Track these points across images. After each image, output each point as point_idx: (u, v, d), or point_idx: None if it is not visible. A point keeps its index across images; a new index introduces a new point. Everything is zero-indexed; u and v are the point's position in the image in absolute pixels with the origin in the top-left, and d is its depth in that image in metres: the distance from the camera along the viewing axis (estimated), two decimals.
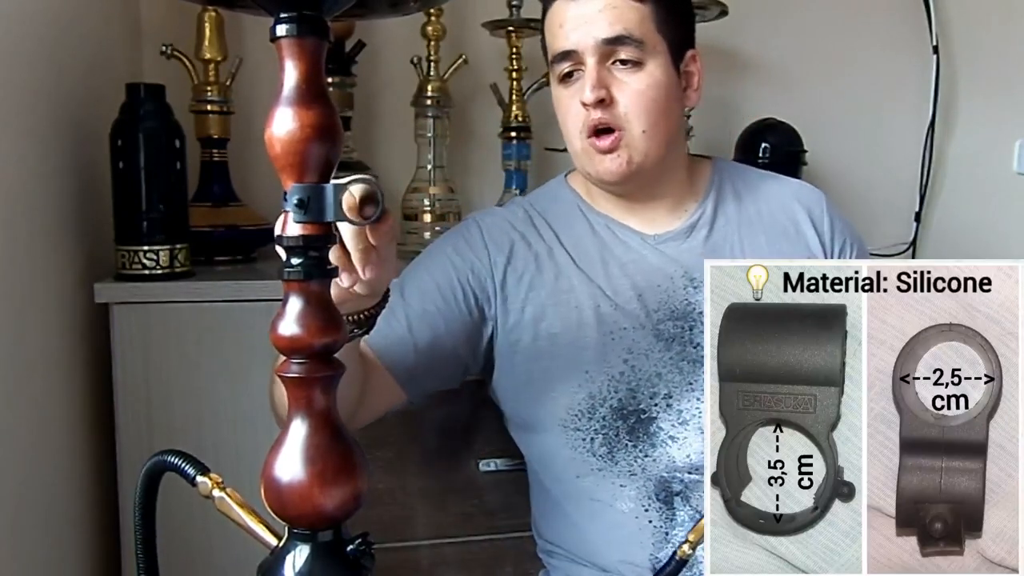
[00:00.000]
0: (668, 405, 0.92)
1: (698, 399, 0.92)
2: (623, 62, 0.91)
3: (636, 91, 0.91)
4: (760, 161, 1.47)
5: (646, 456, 0.92)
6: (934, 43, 1.74)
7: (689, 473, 0.92)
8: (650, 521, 0.93)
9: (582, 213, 1.01)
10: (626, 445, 0.93)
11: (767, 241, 0.99)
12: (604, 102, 0.90)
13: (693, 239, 0.98)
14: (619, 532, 0.94)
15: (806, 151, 1.53)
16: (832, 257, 1.00)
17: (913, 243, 1.81)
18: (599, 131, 0.92)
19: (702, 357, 0.92)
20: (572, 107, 0.93)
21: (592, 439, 0.93)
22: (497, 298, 0.96)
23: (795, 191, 1.03)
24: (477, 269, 0.96)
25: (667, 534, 0.93)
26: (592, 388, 0.92)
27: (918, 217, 1.81)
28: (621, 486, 0.94)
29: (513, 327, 0.96)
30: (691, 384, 0.93)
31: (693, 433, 0.92)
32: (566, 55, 0.92)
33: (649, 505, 0.93)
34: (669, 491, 0.93)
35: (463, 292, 0.95)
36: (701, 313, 0.94)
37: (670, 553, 0.92)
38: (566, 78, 0.94)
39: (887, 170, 1.79)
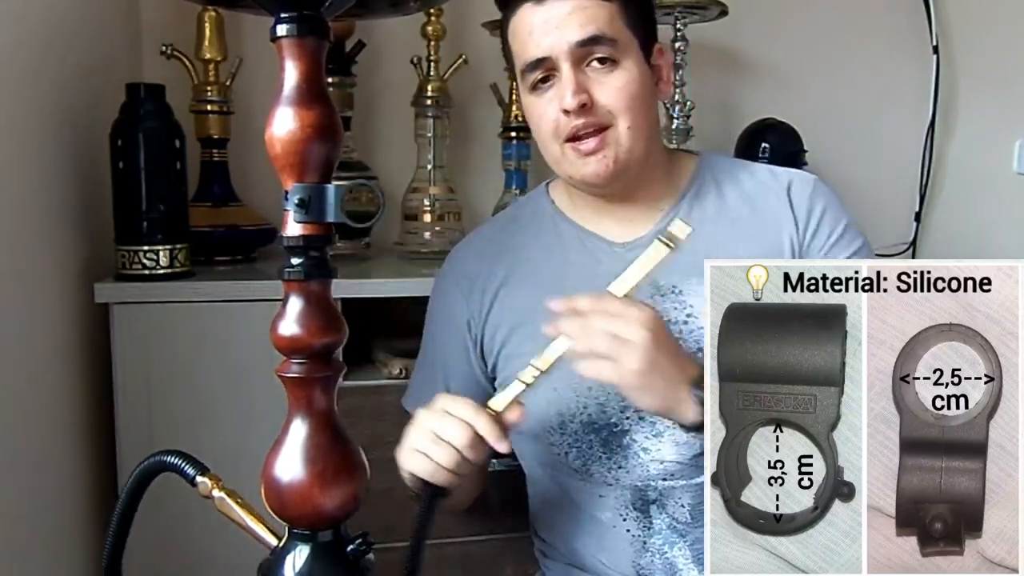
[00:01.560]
0: (640, 417, 0.90)
1: None
2: (600, 61, 0.88)
3: (616, 88, 0.89)
4: (760, 161, 1.47)
5: (620, 468, 0.92)
6: (934, 43, 1.74)
7: (663, 480, 0.91)
8: (628, 530, 0.93)
9: (554, 225, 1.00)
10: (600, 457, 0.92)
11: (740, 235, 0.94)
12: (586, 106, 0.88)
13: None
14: (601, 540, 0.94)
15: (806, 151, 1.53)
16: (806, 241, 0.94)
17: (913, 243, 1.81)
18: (581, 135, 0.89)
19: None
20: (547, 113, 0.90)
21: (566, 453, 0.93)
22: (476, 327, 0.99)
23: (780, 176, 0.97)
24: (459, 312, 1.00)
25: (645, 543, 0.93)
26: (561, 405, 0.92)
27: (918, 217, 1.81)
28: (600, 496, 0.94)
29: (488, 350, 0.99)
30: None
31: (668, 444, 0.90)
32: (538, 63, 0.89)
33: (627, 514, 0.93)
34: (645, 499, 0.92)
35: (461, 340, 0.99)
36: (668, 321, 0.90)
37: (652, 559, 0.93)
38: (539, 84, 0.91)
39: (887, 170, 1.79)
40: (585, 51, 0.88)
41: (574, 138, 0.89)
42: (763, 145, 1.50)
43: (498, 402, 0.81)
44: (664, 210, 0.96)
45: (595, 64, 0.89)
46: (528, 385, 0.79)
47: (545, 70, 0.90)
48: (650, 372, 0.77)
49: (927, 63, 1.76)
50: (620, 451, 0.92)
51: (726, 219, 0.95)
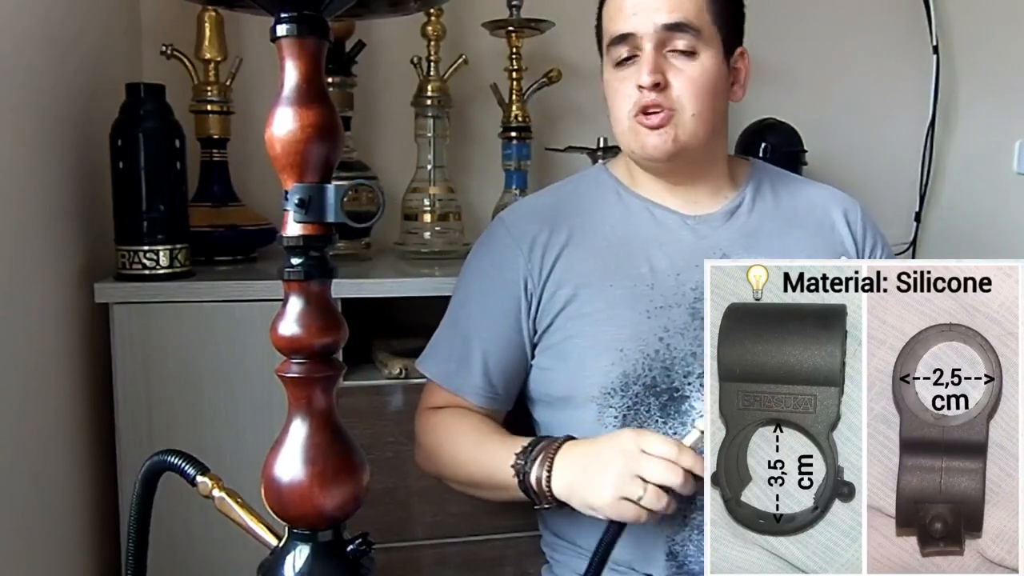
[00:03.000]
0: (702, 385, 0.92)
1: None
2: (679, 51, 0.94)
3: (690, 78, 0.94)
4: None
5: (675, 434, 0.93)
6: (934, 43, 1.74)
7: None
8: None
9: (619, 197, 1.03)
10: (656, 421, 0.93)
11: (804, 235, 1.01)
12: (659, 86, 0.93)
13: (732, 223, 1.01)
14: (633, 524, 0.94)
15: (806, 151, 1.53)
16: (864, 258, 1.02)
17: (913, 243, 1.81)
18: (648, 111, 0.95)
19: None
20: (624, 89, 0.96)
21: (624, 415, 0.94)
22: (534, 290, 0.99)
23: (831, 194, 1.07)
24: (514, 270, 1.00)
25: (685, 516, 0.93)
26: (626, 366, 0.93)
27: (918, 217, 1.81)
28: None
29: (547, 310, 0.99)
30: None
31: None
32: (624, 38, 0.95)
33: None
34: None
35: (512, 300, 1.00)
36: None
37: (689, 534, 0.92)
38: (622, 63, 0.96)
39: (887, 170, 1.79)
40: (668, 35, 0.94)
41: (643, 112, 0.95)
42: (763, 145, 1.50)
43: (688, 440, 0.83)
44: (729, 197, 1.03)
45: (675, 52, 0.94)
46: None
47: (629, 48, 0.95)
48: None
49: (927, 63, 1.76)
50: (677, 416, 0.93)
51: (787, 214, 1.03)
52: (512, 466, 0.91)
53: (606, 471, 0.84)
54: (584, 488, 0.85)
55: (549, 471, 0.88)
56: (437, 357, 1.04)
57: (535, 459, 0.90)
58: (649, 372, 0.93)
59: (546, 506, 0.90)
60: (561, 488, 0.88)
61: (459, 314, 1.04)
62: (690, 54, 0.94)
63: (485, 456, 0.95)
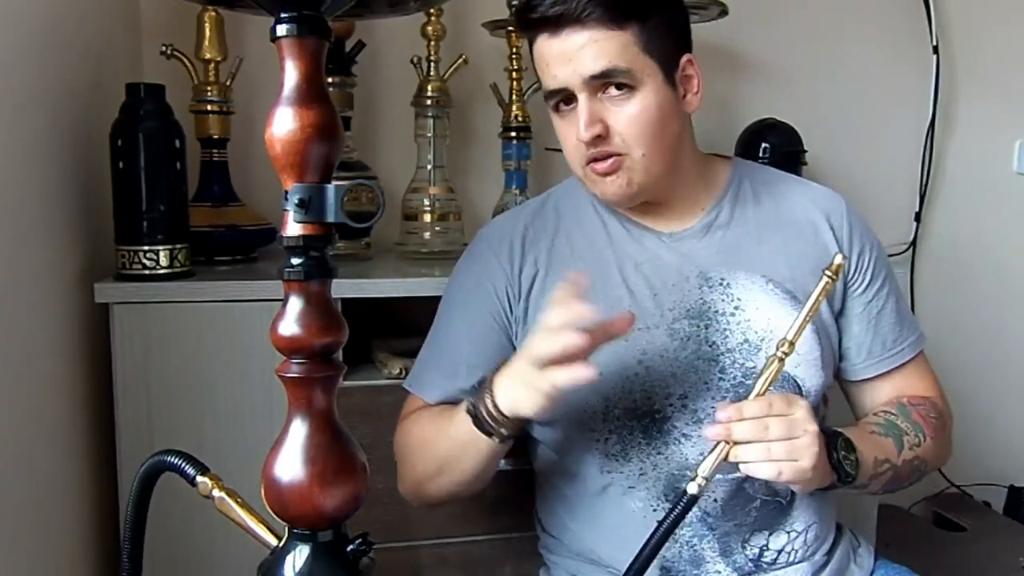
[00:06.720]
0: (683, 405, 0.92)
1: (712, 398, 0.92)
2: (618, 87, 0.90)
3: (630, 117, 0.90)
4: (760, 161, 1.47)
5: (659, 454, 0.92)
6: (934, 43, 1.74)
7: None
8: (658, 521, 0.93)
9: (597, 214, 1.01)
10: (640, 443, 0.93)
11: (784, 241, 0.99)
12: (600, 136, 0.90)
13: (709, 238, 0.98)
14: (626, 531, 0.94)
15: (806, 151, 1.53)
16: (851, 260, 1.00)
17: (913, 243, 1.81)
18: (597, 159, 0.92)
19: (717, 356, 0.93)
20: (570, 137, 0.93)
21: (606, 439, 0.93)
22: (515, 305, 0.98)
23: (814, 195, 1.03)
24: (497, 286, 0.99)
25: (674, 533, 0.93)
26: (607, 390, 0.92)
27: (918, 217, 1.81)
28: (630, 487, 0.94)
29: (527, 331, 0.97)
30: (706, 384, 0.93)
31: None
32: (557, 92, 0.92)
33: (658, 505, 0.93)
34: (678, 491, 0.92)
35: (497, 315, 0.99)
36: (716, 312, 0.94)
37: (679, 550, 0.92)
38: (562, 105, 0.93)
39: (887, 170, 1.79)
40: (599, 83, 0.90)
41: (592, 161, 0.92)
42: (763, 145, 1.50)
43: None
44: (706, 208, 1.00)
45: (612, 91, 0.90)
46: (697, 497, 0.81)
47: (565, 96, 0.92)
48: (817, 463, 0.82)
49: (927, 63, 1.76)
50: (660, 437, 0.92)
51: (767, 222, 1.00)
52: (466, 411, 0.88)
53: (516, 374, 0.83)
54: (513, 397, 0.84)
55: (492, 395, 0.85)
56: (428, 376, 1.02)
57: (480, 394, 0.87)
58: (629, 395, 0.92)
59: (504, 432, 0.86)
60: (506, 404, 0.84)
61: (445, 332, 1.02)
62: (628, 90, 0.89)
63: (445, 421, 0.92)
